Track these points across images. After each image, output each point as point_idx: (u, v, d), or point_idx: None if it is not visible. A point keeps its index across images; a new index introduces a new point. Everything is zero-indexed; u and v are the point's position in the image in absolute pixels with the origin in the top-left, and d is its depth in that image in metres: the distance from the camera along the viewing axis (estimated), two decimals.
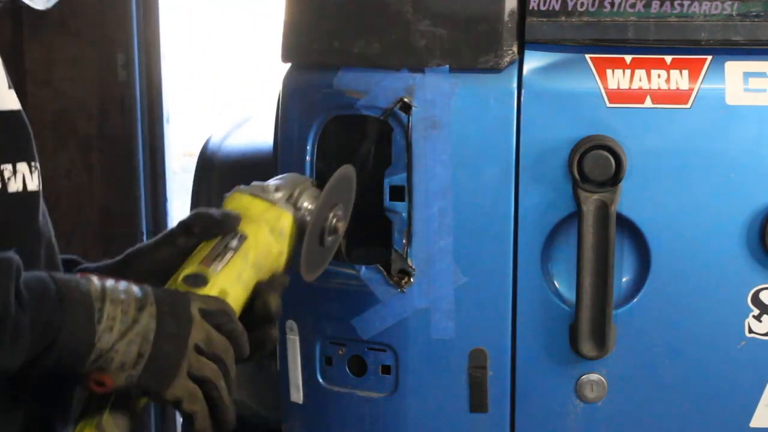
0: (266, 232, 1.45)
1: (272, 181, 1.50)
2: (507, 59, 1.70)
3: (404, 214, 1.76)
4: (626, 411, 1.77)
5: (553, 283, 1.77)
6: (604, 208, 1.69)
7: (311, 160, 1.81)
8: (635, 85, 1.70)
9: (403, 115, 1.72)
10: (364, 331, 1.79)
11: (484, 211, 1.74)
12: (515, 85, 1.72)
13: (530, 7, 1.71)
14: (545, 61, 1.72)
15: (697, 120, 1.70)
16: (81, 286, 1.25)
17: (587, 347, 1.73)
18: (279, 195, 1.48)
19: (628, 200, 1.70)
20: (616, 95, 1.70)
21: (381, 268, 1.77)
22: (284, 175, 1.52)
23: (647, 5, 1.70)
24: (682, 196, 1.71)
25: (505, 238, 1.75)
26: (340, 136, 1.82)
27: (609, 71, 1.71)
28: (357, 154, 1.82)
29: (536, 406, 1.78)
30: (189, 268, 1.38)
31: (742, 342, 1.73)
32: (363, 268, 1.78)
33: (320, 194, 1.49)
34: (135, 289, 1.29)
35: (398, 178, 1.76)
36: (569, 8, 1.71)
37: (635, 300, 1.75)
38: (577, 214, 1.71)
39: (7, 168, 1.30)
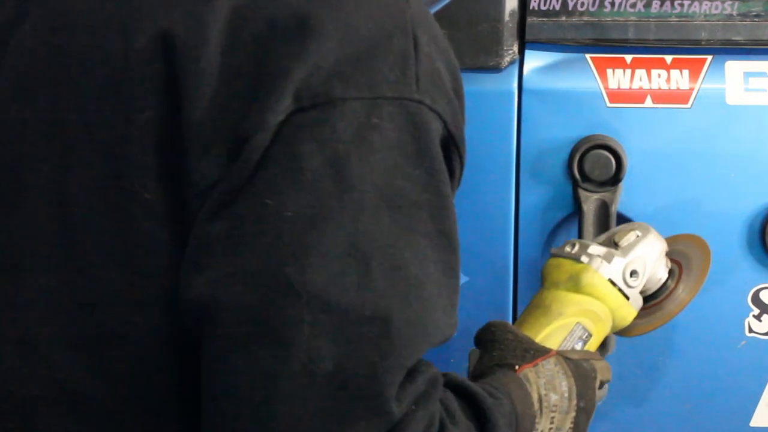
0: (608, 328, 1.50)
1: (635, 258, 1.50)
2: (507, 59, 1.70)
3: None
4: (626, 411, 1.77)
5: None
6: (604, 208, 1.69)
7: None
8: (635, 85, 1.70)
9: None
10: None
11: (484, 211, 1.74)
12: (515, 84, 1.71)
13: (530, 7, 1.71)
14: (545, 60, 1.72)
15: (698, 120, 1.70)
16: (529, 410, 1.28)
17: None
18: (636, 285, 1.51)
19: (628, 200, 1.70)
20: (617, 95, 1.70)
21: None
22: (638, 242, 1.52)
23: (648, 5, 1.70)
24: (682, 196, 1.71)
25: (505, 238, 1.74)
26: None
27: (609, 71, 1.70)
28: None
29: None
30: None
31: (742, 341, 1.73)
32: None
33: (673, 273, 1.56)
34: (563, 386, 1.33)
35: None
36: (569, 8, 1.71)
37: None
38: (577, 214, 1.71)
39: None
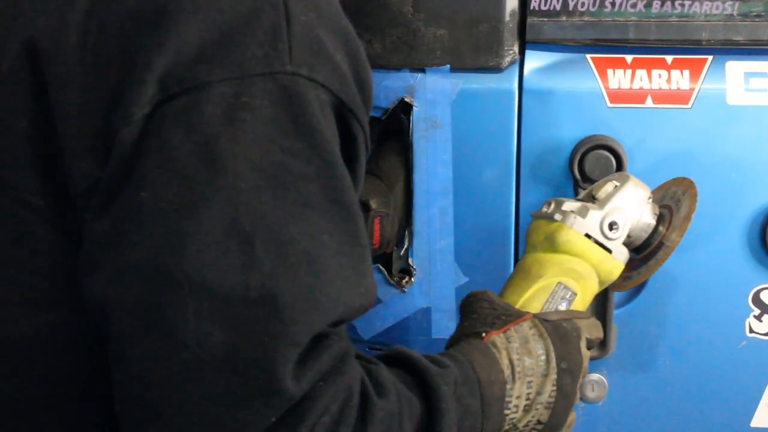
0: (595, 285, 1.46)
1: (612, 209, 1.46)
2: (508, 59, 1.70)
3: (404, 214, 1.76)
4: (627, 411, 1.77)
5: None
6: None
7: None
8: (636, 85, 1.70)
9: (403, 115, 1.72)
10: (364, 331, 1.79)
11: (485, 211, 1.74)
12: (516, 85, 1.71)
13: (531, 7, 1.71)
14: (546, 60, 1.72)
15: (698, 120, 1.70)
16: (497, 377, 1.27)
17: None
18: (617, 236, 1.46)
19: None
20: (617, 95, 1.70)
21: (382, 268, 1.77)
22: (616, 192, 1.49)
23: (648, 5, 1.70)
24: None
25: (505, 238, 1.74)
26: None
27: (610, 71, 1.71)
28: None
29: None
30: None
31: (742, 342, 1.73)
32: None
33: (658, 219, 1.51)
34: (539, 349, 1.31)
35: None
36: (570, 8, 1.71)
37: (636, 300, 1.75)
38: None
39: None
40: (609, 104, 1.70)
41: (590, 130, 1.70)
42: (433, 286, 1.75)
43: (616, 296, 1.73)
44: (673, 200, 1.55)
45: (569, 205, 1.47)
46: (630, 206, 1.48)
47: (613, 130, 1.70)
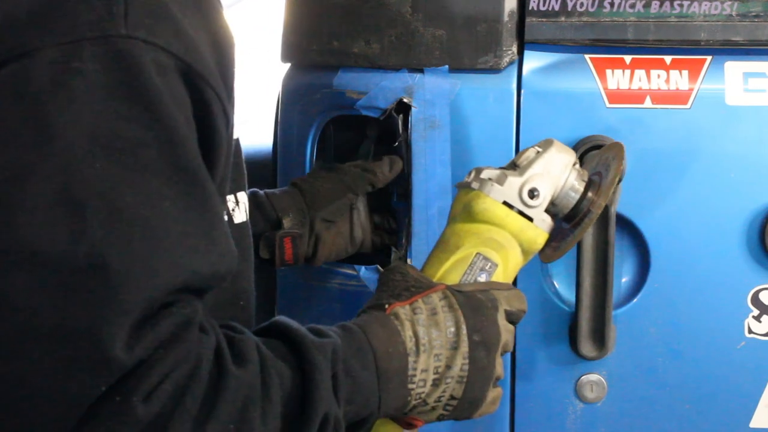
0: (518, 255, 1.40)
1: (533, 175, 1.40)
2: (507, 59, 1.70)
3: (404, 214, 1.76)
4: (626, 411, 1.77)
5: (553, 284, 1.77)
6: (604, 209, 1.69)
7: (311, 161, 1.81)
8: (635, 86, 1.70)
9: (399, 115, 1.72)
10: None
11: None
12: (515, 85, 1.72)
13: (530, 8, 1.71)
14: (545, 61, 1.72)
15: (697, 120, 1.70)
16: (397, 349, 1.24)
17: (587, 348, 1.73)
18: (537, 204, 1.40)
19: (628, 200, 1.70)
20: (616, 95, 1.70)
21: (381, 268, 1.77)
22: (538, 157, 1.42)
23: (647, 5, 1.70)
24: (682, 196, 1.71)
25: None
26: (339, 136, 1.82)
27: (609, 71, 1.71)
28: (357, 155, 1.82)
29: (536, 406, 1.78)
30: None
31: (741, 342, 1.73)
32: (363, 268, 1.78)
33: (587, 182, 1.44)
34: (448, 321, 1.27)
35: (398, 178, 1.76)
36: (569, 8, 1.71)
37: (635, 300, 1.75)
38: None
39: (231, 199, 1.32)
40: (608, 104, 1.70)
41: (589, 130, 1.70)
42: None
43: (615, 296, 1.73)
44: (604, 166, 1.50)
45: (488, 172, 1.42)
46: (552, 172, 1.42)
47: (612, 131, 1.70)
